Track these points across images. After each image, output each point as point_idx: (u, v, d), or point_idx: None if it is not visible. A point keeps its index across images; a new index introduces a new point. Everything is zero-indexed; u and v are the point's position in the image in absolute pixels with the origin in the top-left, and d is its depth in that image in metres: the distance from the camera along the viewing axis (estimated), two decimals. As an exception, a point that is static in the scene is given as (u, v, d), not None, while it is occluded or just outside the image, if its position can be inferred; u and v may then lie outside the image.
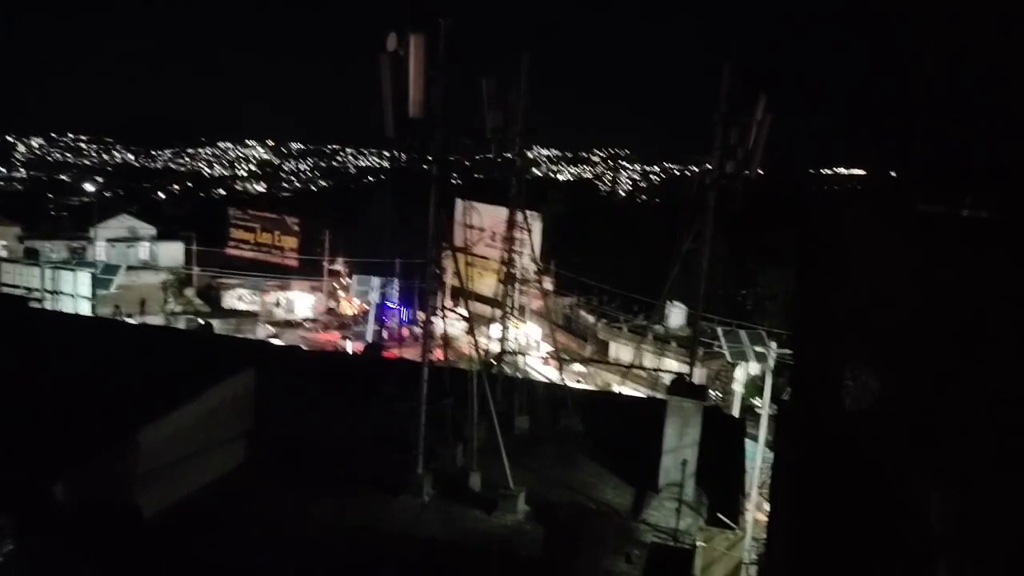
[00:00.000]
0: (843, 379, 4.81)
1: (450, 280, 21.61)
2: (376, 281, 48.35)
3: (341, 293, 66.56)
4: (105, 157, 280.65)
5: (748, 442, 20.64)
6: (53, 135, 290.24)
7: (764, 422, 27.49)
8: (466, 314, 15.70)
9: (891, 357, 4.32)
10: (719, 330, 34.00)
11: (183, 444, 11.99)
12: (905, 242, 4.73)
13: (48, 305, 32.52)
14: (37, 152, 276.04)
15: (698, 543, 12.37)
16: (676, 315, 42.81)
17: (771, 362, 28.83)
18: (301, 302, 66.47)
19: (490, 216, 43.52)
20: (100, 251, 57.12)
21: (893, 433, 4.05)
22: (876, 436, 4.22)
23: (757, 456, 26.93)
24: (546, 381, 22.70)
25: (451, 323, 18.05)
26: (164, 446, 11.56)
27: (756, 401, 37.57)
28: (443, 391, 14.85)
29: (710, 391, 36.16)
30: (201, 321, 49.77)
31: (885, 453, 4.07)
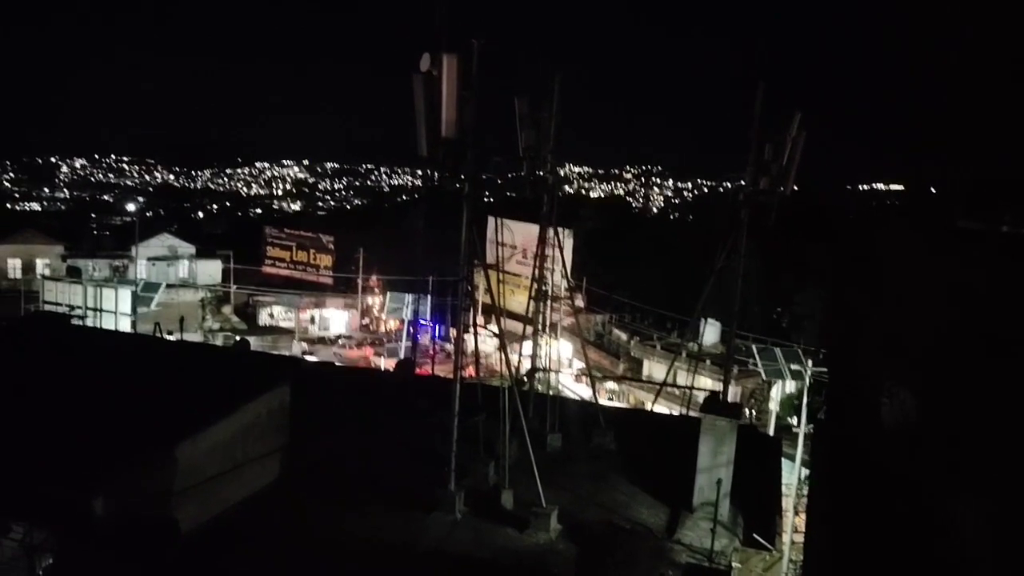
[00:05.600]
0: (879, 397, 4.73)
1: (482, 297, 21.70)
2: (409, 298, 48.66)
3: (375, 310, 67.02)
4: (147, 177, 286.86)
5: (784, 461, 20.33)
6: (96, 156, 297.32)
7: (800, 441, 27.13)
8: (497, 331, 15.73)
9: (927, 375, 4.24)
10: (754, 348, 33.71)
11: (219, 459, 12.14)
12: (943, 258, 4.66)
13: (90, 322, 33.22)
14: (80, 173, 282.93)
15: (734, 564, 12.18)
16: (710, 332, 42.41)
17: (807, 380, 28.53)
18: (335, 319, 67.05)
19: (522, 233, 43.71)
20: (141, 269, 58.24)
21: (929, 452, 3.98)
22: (912, 454, 4.15)
23: (793, 475, 26.57)
24: (578, 398, 22.59)
25: (483, 339, 18.11)
26: (201, 461, 11.72)
27: (792, 420, 37.07)
28: (475, 408, 14.85)
29: (745, 409, 35.76)
30: (237, 337, 50.43)
31: (921, 472, 4.00)
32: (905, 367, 4.63)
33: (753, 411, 40.18)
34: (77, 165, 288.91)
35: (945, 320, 4.42)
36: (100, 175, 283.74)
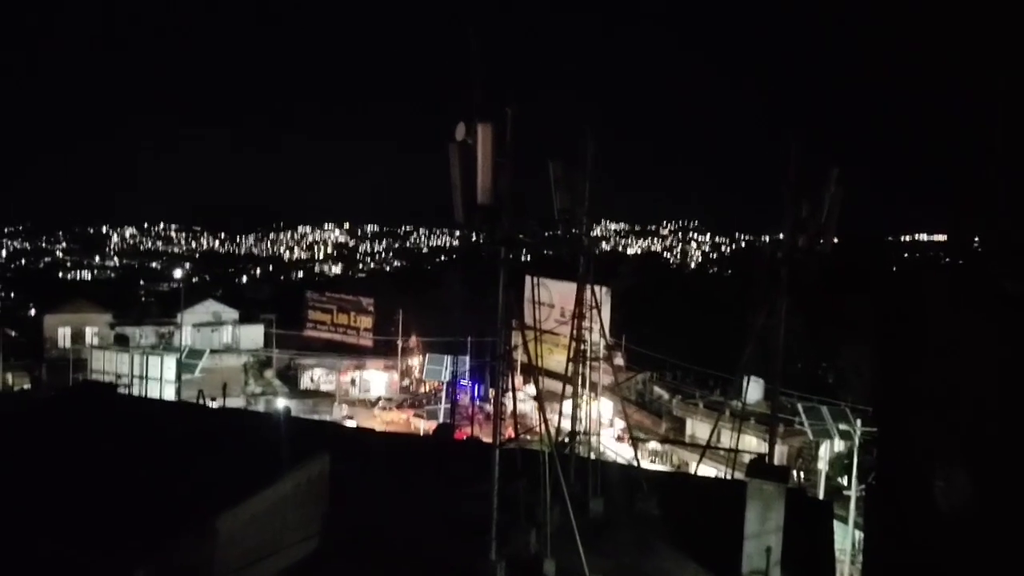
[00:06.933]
0: (929, 467, 4.57)
1: (520, 356, 21.64)
2: (448, 359, 48.76)
3: (415, 371, 67.19)
4: (193, 244, 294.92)
5: (837, 524, 19.63)
6: (145, 225, 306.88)
7: (852, 503, 26.24)
8: (535, 392, 15.61)
9: (977, 449, 4.08)
10: (799, 406, 32.92)
11: (259, 530, 12.10)
12: (988, 325, 4.52)
13: (136, 390, 33.80)
14: (130, 242, 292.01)
15: (786, 636, 11.70)
16: (754, 390, 41.63)
17: (857, 440, 27.74)
18: (376, 381, 67.30)
19: (559, 292, 43.66)
20: (187, 335, 59.34)
21: (982, 537, 3.80)
22: (964, 538, 3.97)
23: (847, 540, 25.66)
24: (620, 461, 22.19)
25: (522, 399, 18.02)
26: (241, 532, 11.70)
27: (843, 480, 35.91)
28: (515, 472, 14.65)
29: (792, 471, 34.76)
30: (279, 403, 50.85)
31: (974, 557, 3.81)
32: (954, 438, 4.48)
33: (801, 472, 39.08)
34: (127, 234, 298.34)
35: (992, 391, 4.28)
36: (149, 243, 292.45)
